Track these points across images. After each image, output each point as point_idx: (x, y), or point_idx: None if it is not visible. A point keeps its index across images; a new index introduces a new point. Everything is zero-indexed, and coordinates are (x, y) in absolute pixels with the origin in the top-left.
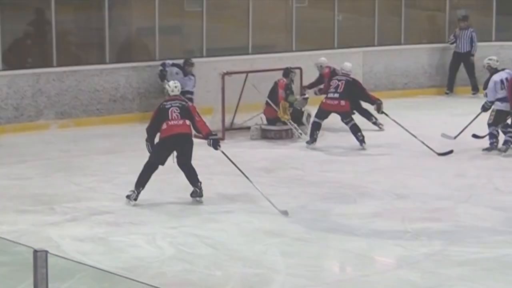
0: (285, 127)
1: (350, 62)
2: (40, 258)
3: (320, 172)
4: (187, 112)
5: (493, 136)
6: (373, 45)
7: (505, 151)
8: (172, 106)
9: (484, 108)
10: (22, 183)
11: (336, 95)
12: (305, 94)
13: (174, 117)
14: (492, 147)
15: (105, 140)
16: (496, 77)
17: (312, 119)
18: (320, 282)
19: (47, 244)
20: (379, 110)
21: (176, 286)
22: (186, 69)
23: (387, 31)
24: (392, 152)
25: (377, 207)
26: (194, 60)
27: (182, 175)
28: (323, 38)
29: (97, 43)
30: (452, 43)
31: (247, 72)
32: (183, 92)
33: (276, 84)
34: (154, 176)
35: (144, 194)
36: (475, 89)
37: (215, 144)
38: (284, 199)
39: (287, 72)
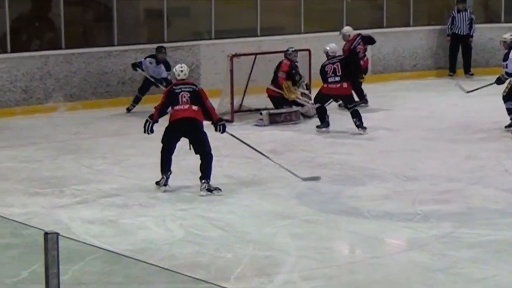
0: (293, 109)
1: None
2: (51, 240)
3: (330, 154)
4: (198, 97)
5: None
6: (382, 27)
7: None
8: (182, 91)
9: (500, 81)
10: (31, 166)
11: (337, 78)
12: None
13: (183, 101)
14: None
15: (113, 122)
16: None
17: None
18: (330, 264)
19: (57, 226)
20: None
21: (185, 268)
22: (157, 56)
23: (395, 12)
24: (402, 134)
25: (386, 189)
26: (202, 42)
27: (191, 158)
28: (331, 20)
29: (105, 25)
30: (450, 28)
31: (256, 54)
32: (159, 80)
33: (279, 65)
34: None
35: (153, 176)
36: (468, 71)
37: (224, 130)
38: (293, 181)
39: (286, 53)
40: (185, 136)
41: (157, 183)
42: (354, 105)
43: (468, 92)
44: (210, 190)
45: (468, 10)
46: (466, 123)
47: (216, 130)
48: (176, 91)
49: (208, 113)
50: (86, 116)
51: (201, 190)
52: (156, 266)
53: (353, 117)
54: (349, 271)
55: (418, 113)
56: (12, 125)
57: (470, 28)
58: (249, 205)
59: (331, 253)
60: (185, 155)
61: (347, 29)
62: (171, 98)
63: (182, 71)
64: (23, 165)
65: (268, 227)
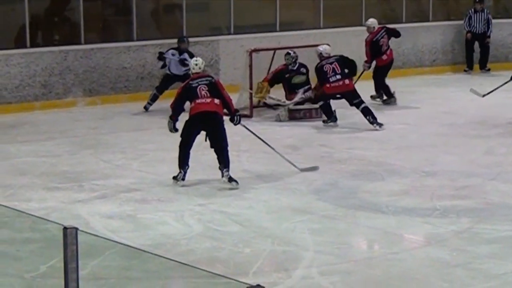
0: (313, 106)
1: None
2: (70, 235)
3: (348, 149)
4: (215, 89)
5: None
6: (401, 22)
7: None
8: (199, 84)
9: None
10: (50, 161)
11: (338, 76)
12: None
13: (203, 95)
14: None
15: (132, 117)
16: None
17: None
18: (348, 260)
19: (76, 221)
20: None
21: (204, 263)
22: (180, 47)
23: (415, 8)
24: (420, 129)
25: (405, 184)
26: (221, 37)
27: (210, 153)
28: (350, 15)
29: (124, 20)
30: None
31: (275, 49)
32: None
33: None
34: None
35: (172, 171)
36: (484, 67)
37: (239, 122)
38: (311, 176)
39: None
40: (204, 129)
41: (174, 178)
42: (359, 100)
43: (483, 96)
44: (231, 179)
45: (485, 11)
46: (485, 119)
47: (232, 120)
48: (193, 85)
49: (226, 104)
50: (105, 111)
51: (222, 177)
52: (175, 261)
53: (365, 116)
54: (367, 266)
55: (437, 109)
56: (32, 120)
57: (487, 28)
58: (267, 200)
59: (349, 249)
60: (204, 150)
61: (371, 21)
62: (188, 94)
63: (196, 64)
64: (42, 159)
65: (287, 222)
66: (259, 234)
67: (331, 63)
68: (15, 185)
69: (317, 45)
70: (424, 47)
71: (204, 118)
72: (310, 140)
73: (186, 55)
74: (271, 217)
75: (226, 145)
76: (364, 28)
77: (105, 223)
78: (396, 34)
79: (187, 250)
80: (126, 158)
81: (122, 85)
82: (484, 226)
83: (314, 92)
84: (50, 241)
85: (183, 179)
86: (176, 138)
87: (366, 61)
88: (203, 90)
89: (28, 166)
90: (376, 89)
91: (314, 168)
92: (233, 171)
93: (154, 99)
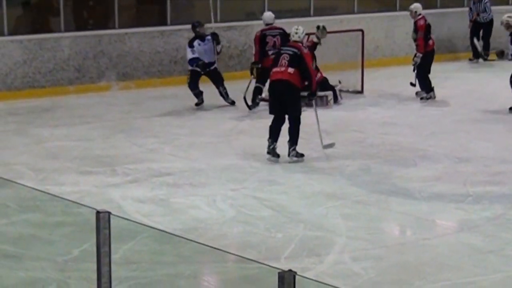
0: (320, 94)
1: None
2: (102, 219)
3: (381, 134)
4: (297, 61)
5: None
6: (436, 7)
7: None
8: (284, 53)
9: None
10: (83, 145)
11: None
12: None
13: (283, 63)
14: None
15: (165, 101)
16: None
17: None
18: (381, 245)
19: (108, 205)
20: None
21: (236, 248)
22: (197, 34)
23: None
24: (453, 115)
25: (438, 170)
26: (255, 22)
27: (243, 137)
28: (384, 0)
29: (158, 5)
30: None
31: (308, 35)
32: (209, 64)
33: None
34: (215, 138)
35: (204, 156)
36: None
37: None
38: (344, 161)
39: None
40: (280, 98)
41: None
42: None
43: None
44: (298, 156)
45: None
46: None
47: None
48: (281, 52)
49: (307, 78)
50: (138, 96)
51: (289, 156)
52: (207, 245)
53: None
54: (399, 252)
55: (470, 94)
56: (65, 104)
57: (486, 11)
58: (300, 185)
59: (381, 234)
60: (237, 135)
61: (416, 5)
62: (275, 60)
63: (296, 33)
64: (76, 143)
65: (319, 208)
66: (292, 219)
67: (274, 36)
68: (48, 169)
69: (350, 31)
70: (458, 32)
71: (276, 87)
72: (344, 125)
73: (210, 42)
74: (304, 202)
75: (293, 112)
76: (398, 13)
77: (138, 207)
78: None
79: (219, 235)
80: (158, 142)
81: (156, 69)
82: None
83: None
84: (83, 225)
85: (268, 153)
86: (208, 122)
87: (418, 50)
88: (284, 58)
89: (61, 150)
90: (421, 84)
91: (332, 145)
92: (267, 155)
93: (198, 95)
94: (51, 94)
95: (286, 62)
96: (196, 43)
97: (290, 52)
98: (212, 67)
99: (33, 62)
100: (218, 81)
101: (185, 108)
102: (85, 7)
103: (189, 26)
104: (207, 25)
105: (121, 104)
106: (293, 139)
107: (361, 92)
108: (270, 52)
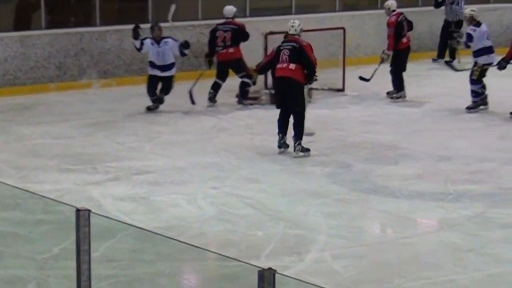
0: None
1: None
2: (82, 217)
3: (362, 133)
4: (298, 55)
5: None
6: (417, 6)
7: None
8: (284, 48)
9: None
10: (64, 142)
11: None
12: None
13: (284, 59)
14: None
15: (146, 99)
16: None
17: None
18: (361, 243)
19: (89, 203)
20: None
21: (216, 246)
22: (153, 35)
23: None
24: (434, 113)
25: (418, 168)
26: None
27: (223, 135)
28: None
29: (139, 2)
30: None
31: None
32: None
33: None
34: (196, 136)
35: (185, 154)
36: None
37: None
38: (325, 160)
39: None
40: (284, 94)
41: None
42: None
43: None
44: (304, 150)
45: None
46: (498, 103)
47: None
48: (281, 48)
49: (309, 70)
50: (119, 93)
51: (295, 151)
52: (187, 243)
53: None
54: (379, 250)
55: (451, 93)
56: (46, 101)
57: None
58: (281, 183)
59: (362, 232)
60: (218, 133)
61: (391, 2)
62: (275, 56)
63: (292, 26)
64: (56, 141)
65: (300, 206)
66: (272, 217)
67: (225, 31)
68: (28, 167)
69: (331, 29)
70: (439, 30)
71: (280, 84)
72: (325, 123)
73: (168, 45)
74: (285, 201)
75: (295, 106)
76: (380, 12)
77: (118, 205)
78: (411, 26)
79: (199, 233)
80: (139, 140)
81: (137, 67)
82: (497, 211)
83: None
84: (63, 223)
85: (279, 147)
86: (189, 121)
87: (387, 48)
88: (284, 54)
89: (41, 148)
90: (393, 82)
91: (312, 134)
92: (247, 154)
93: (157, 102)
94: (32, 92)
95: (287, 58)
96: (149, 41)
97: (289, 47)
98: (168, 73)
99: (14, 60)
100: (167, 88)
101: (166, 106)
102: (66, 4)
103: (170, 24)
104: (163, 24)
105: (102, 102)
106: (298, 135)
107: (343, 90)
108: (219, 48)
